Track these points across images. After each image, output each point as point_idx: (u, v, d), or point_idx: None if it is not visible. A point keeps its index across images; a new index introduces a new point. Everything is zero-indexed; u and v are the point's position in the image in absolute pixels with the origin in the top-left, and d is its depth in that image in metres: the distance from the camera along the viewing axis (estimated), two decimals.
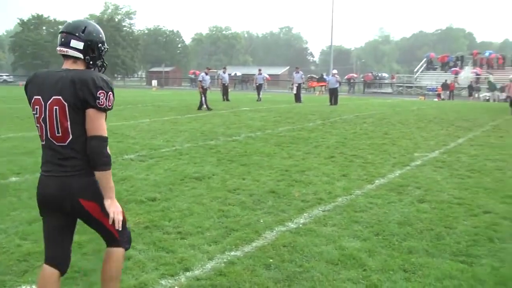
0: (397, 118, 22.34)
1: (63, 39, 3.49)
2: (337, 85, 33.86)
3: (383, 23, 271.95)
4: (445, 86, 51.15)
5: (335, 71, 36.40)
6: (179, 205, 7.22)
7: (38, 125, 3.47)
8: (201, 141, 13.69)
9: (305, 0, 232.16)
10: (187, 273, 4.86)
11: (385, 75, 71.90)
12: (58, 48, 3.51)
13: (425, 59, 67.12)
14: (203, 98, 25.67)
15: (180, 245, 5.62)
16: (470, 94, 51.23)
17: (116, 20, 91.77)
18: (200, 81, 26.62)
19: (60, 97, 3.36)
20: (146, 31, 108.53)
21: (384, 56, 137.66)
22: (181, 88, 73.80)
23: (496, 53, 67.31)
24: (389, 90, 63.35)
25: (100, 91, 3.35)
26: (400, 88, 62.81)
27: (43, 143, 3.49)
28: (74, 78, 3.35)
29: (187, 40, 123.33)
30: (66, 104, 3.35)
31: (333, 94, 32.68)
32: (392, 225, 6.47)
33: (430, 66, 65.38)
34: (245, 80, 71.80)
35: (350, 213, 6.96)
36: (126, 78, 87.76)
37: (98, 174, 3.40)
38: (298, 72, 36.34)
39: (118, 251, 3.70)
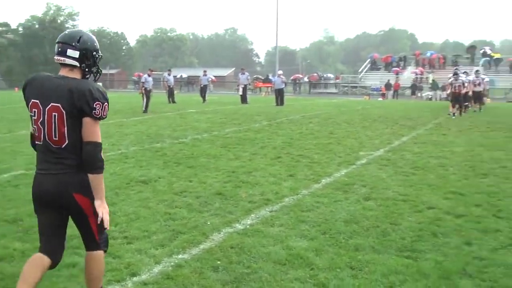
0: (342, 117, 22.65)
1: (59, 49, 3.76)
2: (283, 85, 34.09)
3: (327, 24, 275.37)
4: (388, 86, 52.18)
5: (280, 72, 36.63)
6: (125, 209, 7.12)
7: (36, 127, 3.74)
8: (147, 144, 13.55)
9: (250, 1, 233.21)
10: (134, 278, 4.79)
11: (331, 75, 72.72)
12: (56, 57, 3.78)
13: (369, 60, 68.22)
14: (145, 100, 25.44)
15: (127, 250, 5.54)
16: (413, 93, 52.35)
17: (59, 21, 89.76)
18: (143, 82, 26.37)
19: (59, 104, 3.63)
20: (90, 33, 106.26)
21: (329, 57, 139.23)
22: (126, 90, 72.87)
23: (438, 53, 69.04)
24: (335, 90, 64.13)
25: (97, 102, 3.64)
26: (345, 88, 63.63)
27: (40, 143, 3.75)
28: (72, 88, 3.62)
29: (132, 42, 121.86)
30: (64, 112, 3.63)
31: (279, 94, 32.88)
32: (338, 223, 6.55)
33: (374, 66, 66.47)
34: (191, 82, 71.41)
35: (297, 213, 7.00)
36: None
37: (91, 177, 3.68)
38: (244, 73, 36.42)
39: (98, 254, 3.95)
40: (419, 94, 51.51)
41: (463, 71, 29.71)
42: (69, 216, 3.86)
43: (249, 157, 11.55)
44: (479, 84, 28.13)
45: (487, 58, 58.75)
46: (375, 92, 54.98)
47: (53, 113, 3.65)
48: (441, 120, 22.00)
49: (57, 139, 3.67)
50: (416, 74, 57.47)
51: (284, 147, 13.10)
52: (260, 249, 5.57)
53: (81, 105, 3.60)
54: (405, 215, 6.93)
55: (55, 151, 3.70)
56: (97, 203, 3.71)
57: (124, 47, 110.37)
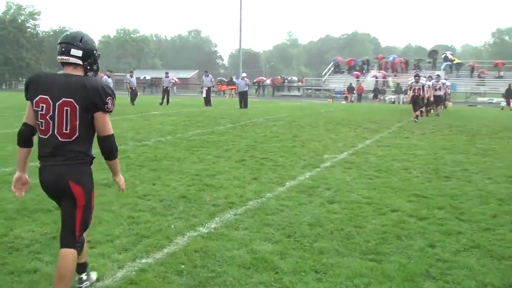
0: (306, 120, 22.76)
1: (63, 49, 4.06)
2: (247, 88, 34.12)
3: (291, 26, 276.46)
4: (350, 89, 52.68)
5: (244, 75, 36.72)
6: None
7: (43, 121, 3.99)
8: None
9: (213, 3, 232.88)
10: (97, 284, 4.71)
11: (295, 78, 73.06)
12: (60, 57, 4.07)
13: (332, 63, 68.84)
14: None
15: (90, 255, 5.45)
16: (375, 97, 52.93)
17: (19, 21, 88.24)
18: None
19: (72, 100, 3.94)
20: (52, 33, 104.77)
21: (293, 59, 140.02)
22: None
23: (400, 57, 70.05)
24: (298, 93, 64.49)
25: (109, 97, 4.05)
26: (309, 91, 64.11)
27: (45, 137, 4.01)
28: (87, 85, 3.98)
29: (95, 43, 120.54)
30: (77, 106, 3.95)
31: (243, 97, 32.90)
32: (303, 226, 6.56)
33: (337, 69, 67.10)
34: (154, 83, 70.99)
35: (262, 216, 6.99)
36: None
37: (110, 163, 4.27)
38: (207, 76, 36.40)
39: (73, 252, 4.10)
40: (382, 98, 52.15)
41: (427, 75, 30.07)
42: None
43: (213, 160, 11.50)
44: (439, 89, 28.47)
45: (449, 63, 59.87)
46: (338, 95, 55.49)
47: (65, 108, 3.95)
48: (404, 123, 22.29)
49: (68, 132, 3.97)
50: (376, 78, 58.22)
51: (248, 150, 13.09)
52: (225, 252, 5.55)
53: (95, 100, 3.97)
54: (369, 218, 6.99)
55: (61, 144, 3.99)
56: (117, 177, 4.37)
57: None
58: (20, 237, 5.93)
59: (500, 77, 57.57)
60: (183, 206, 7.50)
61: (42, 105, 3.98)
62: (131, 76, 36.20)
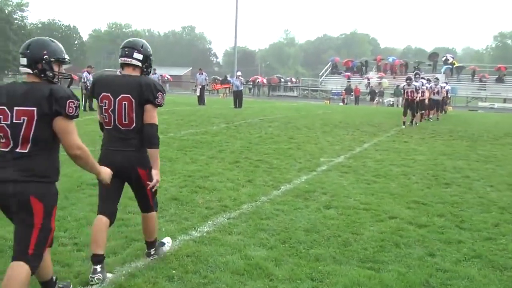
0: (302, 122, 22.75)
1: (126, 52, 5.04)
2: (242, 87, 34.08)
3: (288, 25, 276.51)
4: (348, 90, 52.68)
5: (239, 73, 36.63)
6: (75, 214, 6.97)
7: (106, 114, 4.95)
8: (100, 145, 13.30)
9: None
10: None
11: (294, 79, 72.95)
12: (123, 59, 5.05)
13: (330, 63, 68.86)
14: (84, 99, 25.18)
15: (77, 258, 5.41)
16: (372, 99, 52.92)
17: (6, 12, 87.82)
18: (84, 82, 25.96)
19: (129, 95, 4.86)
20: (40, 25, 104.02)
21: (289, 59, 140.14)
22: (77, 87, 71.87)
23: (399, 59, 70.16)
24: (294, 93, 64.51)
25: (159, 92, 4.95)
26: (305, 92, 64.14)
27: (110, 127, 4.96)
28: (141, 83, 4.89)
29: (85, 37, 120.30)
30: (134, 100, 4.86)
31: (238, 96, 32.86)
32: (299, 232, 6.54)
33: (335, 70, 67.13)
34: None
35: (256, 221, 6.96)
36: (17, 76, 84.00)
37: (150, 151, 4.97)
38: (201, 74, 36.36)
39: (152, 214, 5.30)
40: (380, 100, 52.17)
41: (426, 78, 29.51)
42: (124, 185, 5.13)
43: (206, 161, 11.46)
44: (437, 93, 27.93)
45: (449, 66, 59.95)
46: (335, 97, 55.52)
47: (123, 102, 4.87)
48: (403, 127, 22.28)
49: (127, 122, 4.90)
50: (369, 80, 58.27)
51: (242, 151, 13.07)
52: (217, 258, 5.51)
53: (148, 95, 4.86)
54: (366, 225, 6.97)
55: (123, 132, 4.92)
56: (154, 171, 5.02)
57: (76, 42, 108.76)
58: (4, 238, 5.88)
59: (501, 82, 57.78)
60: (174, 208, 7.47)
61: (105, 101, 4.93)
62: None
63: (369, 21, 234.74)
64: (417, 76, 23.39)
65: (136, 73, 5.05)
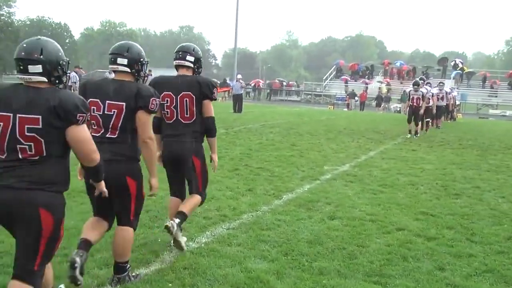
0: (305, 128, 22.75)
1: (180, 55, 6.19)
2: (242, 91, 34.08)
3: (290, 26, 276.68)
4: (352, 94, 52.53)
5: (239, 76, 36.65)
6: (65, 223, 6.89)
7: (168, 110, 6.03)
8: None
9: None
10: None
11: (291, 83, 72.87)
12: (178, 61, 6.20)
13: (334, 67, 68.89)
14: None
15: (67, 270, 5.39)
16: (379, 105, 52.82)
17: None
18: (74, 82, 25.75)
19: (190, 92, 6.00)
20: (29, 22, 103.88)
21: (292, 61, 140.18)
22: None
23: (407, 63, 70.14)
24: (297, 98, 64.52)
25: (215, 89, 6.18)
26: (308, 96, 64.14)
27: (171, 122, 6.06)
28: (200, 81, 6.07)
29: (76, 36, 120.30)
30: (194, 97, 6.01)
31: (238, 100, 32.86)
32: (301, 244, 6.54)
33: (339, 74, 67.13)
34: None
35: (257, 231, 6.96)
36: (3, 75, 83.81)
37: (211, 140, 6.27)
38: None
39: (197, 198, 6.29)
40: (386, 106, 52.16)
41: (426, 81, 27.78)
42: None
43: None
44: (442, 98, 26.97)
45: (459, 71, 59.91)
46: (340, 102, 55.46)
47: (185, 99, 5.99)
48: (408, 136, 22.26)
49: (188, 116, 6.03)
50: (366, 84, 58.14)
51: (242, 158, 13.07)
52: (216, 270, 5.51)
53: (206, 92, 6.04)
54: (373, 237, 6.97)
55: (185, 125, 6.04)
56: (214, 156, 6.36)
57: (67, 41, 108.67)
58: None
59: None
60: None
61: (167, 99, 5.99)
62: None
63: (376, 23, 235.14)
64: (416, 86, 21.63)
65: (189, 73, 6.18)
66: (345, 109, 49.53)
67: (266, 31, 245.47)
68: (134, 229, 5.19)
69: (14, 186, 3.68)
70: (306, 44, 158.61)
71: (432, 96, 24.05)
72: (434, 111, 24.64)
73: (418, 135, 21.22)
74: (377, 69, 66.71)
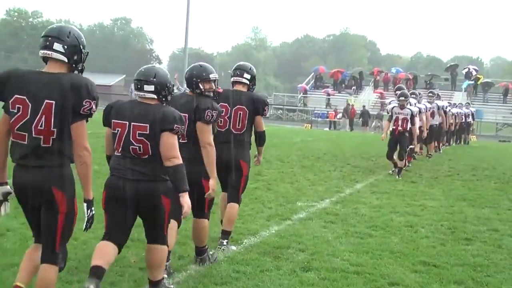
0: (274, 153, 22.71)
1: (238, 73, 8.75)
2: None
3: (257, 22, 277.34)
4: (346, 111, 52.48)
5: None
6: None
7: (222, 119, 8.20)
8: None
9: None
10: None
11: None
12: (236, 78, 8.78)
13: (312, 74, 69.32)
14: None
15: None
16: (365, 123, 52.70)
17: None
18: None
19: (244, 107, 8.48)
20: None
21: (259, 66, 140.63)
22: None
23: (406, 70, 70.30)
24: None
25: (267, 106, 8.80)
26: (279, 112, 64.31)
27: (222, 130, 8.38)
28: (254, 98, 8.65)
29: None
30: (247, 111, 8.49)
31: None
32: None
33: (319, 83, 67.48)
34: None
35: (209, 287, 6.91)
36: None
37: (260, 148, 9.00)
38: None
39: (235, 208, 8.88)
40: (379, 124, 52.50)
41: (436, 95, 26.10)
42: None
43: None
44: (432, 115, 23.64)
45: (472, 82, 60.17)
46: (319, 119, 55.67)
47: (239, 112, 8.47)
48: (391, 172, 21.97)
49: (239, 127, 8.51)
50: (329, 94, 58.50)
51: None
52: None
53: (259, 107, 8.57)
54: None
55: (234, 134, 8.47)
56: (259, 156, 9.15)
57: None
58: None
59: None
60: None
61: (223, 109, 7.97)
62: None
63: (366, 19, 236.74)
64: (402, 99, 18.24)
65: (245, 89, 8.72)
66: (326, 129, 49.78)
67: (226, 28, 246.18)
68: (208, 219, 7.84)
69: (130, 178, 5.97)
70: (277, 44, 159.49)
71: (426, 111, 21.49)
72: (425, 134, 21.40)
73: (402, 175, 17.98)
74: (367, 78, 67.12)
